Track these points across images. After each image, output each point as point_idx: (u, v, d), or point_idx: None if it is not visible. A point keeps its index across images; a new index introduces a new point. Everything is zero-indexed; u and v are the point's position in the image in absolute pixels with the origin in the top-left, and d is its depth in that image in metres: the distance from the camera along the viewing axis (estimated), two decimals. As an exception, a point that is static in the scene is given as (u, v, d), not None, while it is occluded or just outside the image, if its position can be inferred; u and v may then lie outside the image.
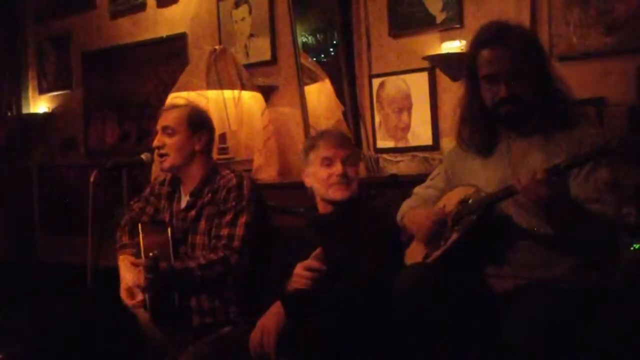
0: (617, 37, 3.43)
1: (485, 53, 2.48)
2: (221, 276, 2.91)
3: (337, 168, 2.77)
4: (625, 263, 2.75)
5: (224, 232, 2.96)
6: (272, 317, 2.57)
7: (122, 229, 3.21)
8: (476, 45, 2.53)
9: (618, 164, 2.39)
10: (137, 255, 3.05)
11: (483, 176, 2.53)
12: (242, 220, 2.96)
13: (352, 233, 2.70)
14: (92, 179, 3.05)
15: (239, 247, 2.93)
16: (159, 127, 3.09)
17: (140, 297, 2.96)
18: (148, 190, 3.32)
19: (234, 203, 2.98)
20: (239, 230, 2.95)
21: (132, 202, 3.35)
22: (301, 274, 2.57)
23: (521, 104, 2.44)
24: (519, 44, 2.44)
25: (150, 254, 2.76)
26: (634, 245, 2.81)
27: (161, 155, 3.06)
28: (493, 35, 2.48)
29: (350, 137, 3.09)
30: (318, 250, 2.57)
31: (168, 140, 3.05)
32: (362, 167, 4.17)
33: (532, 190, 2.20)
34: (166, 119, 3.08)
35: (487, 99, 2.50)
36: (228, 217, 2.97)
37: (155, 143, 3.07)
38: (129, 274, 3.02)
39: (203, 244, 3.02)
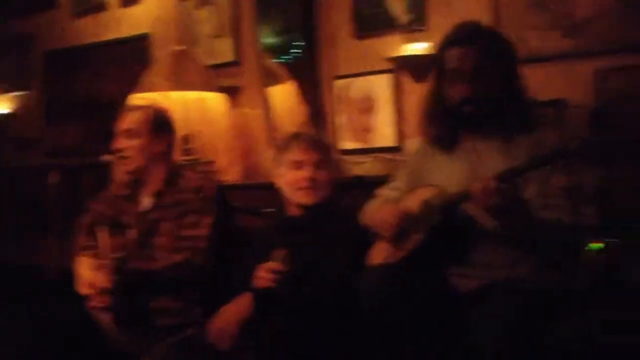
0: (576, 40, 3.48)
1: (453, 51, 2.51)
2: (186, 277, 2.90)
3: (306, 172, 2.78)
4: (587, 264, 2.80)
5: (188, 233, 2.95)
6: (237, 306, 2.57)
7: (80, 232, 3.17)
8: (446, 43, 2.56)
9: (579, 165, 2.43)
10: (98, 257, 3.02)
11: (446, 175, 2.55)
12: (206, 220, 2.95)
13: (320, 236, 2.71)
14: (52, 180, 3.02)
15: (203, 247, 2.92)
16: (120, 129, 3.06)
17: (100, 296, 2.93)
18: (107, 192, 3.28)
19: (197, 204, 2.98)
20: (203, 231, 2.94)
21: (90, 205, 3.30)
22: (262, 275, 2.57)
23: (483, 105, 2.47)
24: (488, 44, 2.48)
25: (117, 255, 2.74)
26: (596, 246, 2.85)
27: (122, 158, 3.04)
28: (463, 35, 2.52)
29: (323, 141, 3.05)
30: (280, 252, 2.58)
31: (129, 143, 3.02)
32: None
33: (482, 199, 2.23)
34: (127, 121, 3.05)
35: (451, 96, 2.52)
36: (192, 218, 2.96)
37: (116, 146, 3.04)
38: (87, 272, 2.96)
39: (166, 245, 2.99)
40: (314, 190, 2.79)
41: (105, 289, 2.83)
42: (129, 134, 3.02)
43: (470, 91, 2.46)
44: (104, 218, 3.17)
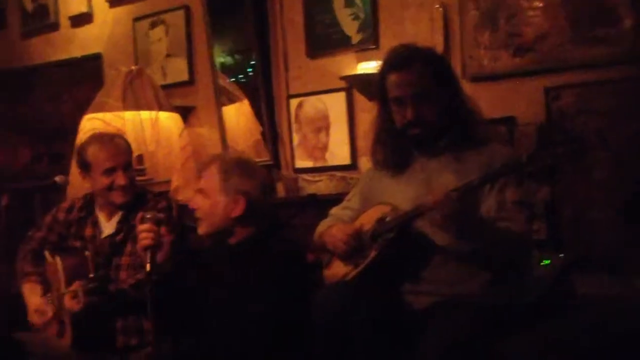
0: (525, 58, 3.54)
1: (393, 77, 2.53)
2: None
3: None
4: (536, 278, 2.83)
5: None
6: None
7: (24, 259, 3.12)
8: (385, 69, 2.58)
9: (527, 181, 2.46)
10: (46, 284, 2.99)
11: (398, 195, 2.56)
12: (168, 238, 2.96)
13: (242, 272, 2.56)
14: (3, 203, 2.98)
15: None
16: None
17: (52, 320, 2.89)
18: (50, 218, 3.20)
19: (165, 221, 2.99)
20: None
21: (30, 233, 3.21)
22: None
23: (428, 127, 2.50)
24: (426, 67, 2.50)
25: (91, 275, 2.76)
26: (544, 261, 2.89)
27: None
28: (400, 59, 2.54)
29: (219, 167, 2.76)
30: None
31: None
32: (280, 187, 4.19)
33: (444, 205, 2.23)
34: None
35: (397, 120, 2.55)
36: None
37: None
38: (35, 298, 2.97)
39: (128, 264, 2.99)
40: (200, 221, 2.69)
41: (77, 312, 2.78)
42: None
43: (413, 115, 2.48)
44: (47, 245, 3.11)
